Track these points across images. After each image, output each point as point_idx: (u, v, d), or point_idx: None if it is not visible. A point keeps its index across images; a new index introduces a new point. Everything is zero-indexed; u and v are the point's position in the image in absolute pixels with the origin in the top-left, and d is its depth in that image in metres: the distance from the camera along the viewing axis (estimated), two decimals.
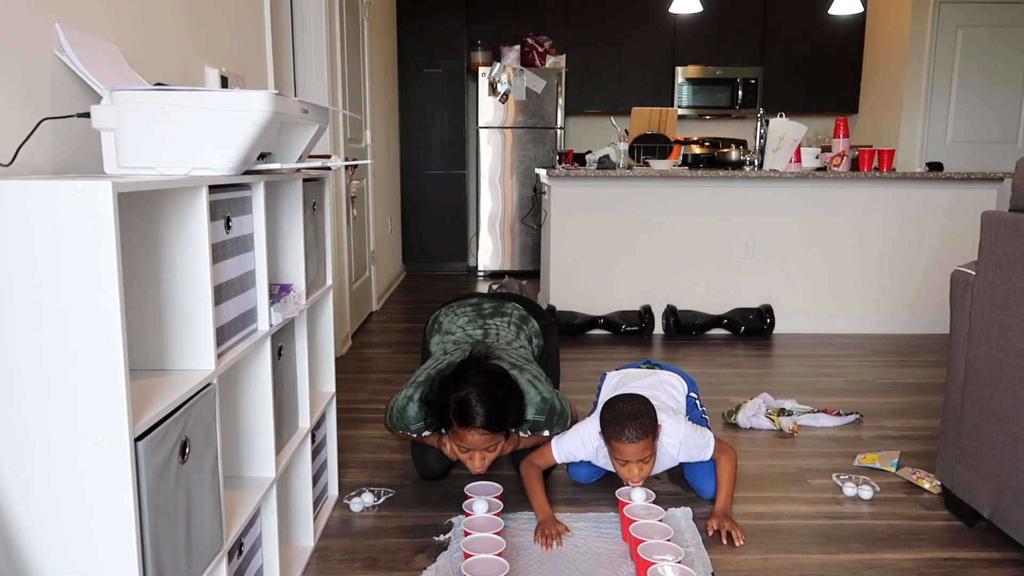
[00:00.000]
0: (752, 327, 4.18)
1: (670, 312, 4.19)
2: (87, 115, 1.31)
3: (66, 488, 0.97)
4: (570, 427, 2.14)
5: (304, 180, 1.80)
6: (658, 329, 4.26)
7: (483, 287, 5.72)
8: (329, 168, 1.89)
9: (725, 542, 1.93)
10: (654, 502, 1.96)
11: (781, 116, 4.20)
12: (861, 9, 4.83)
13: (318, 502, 2.02)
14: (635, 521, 1.84)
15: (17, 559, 0.98)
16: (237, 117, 1.25)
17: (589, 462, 2.18)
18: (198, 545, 1.17)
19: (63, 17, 1.42)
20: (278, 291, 1.64)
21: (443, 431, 2.02)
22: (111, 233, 0.92)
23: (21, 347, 0.94)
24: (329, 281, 2.06)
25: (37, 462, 0.97)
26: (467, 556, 1.69)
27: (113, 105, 1.26)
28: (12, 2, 1.28)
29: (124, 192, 0.96)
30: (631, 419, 1.97)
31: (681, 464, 2.17)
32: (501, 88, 5.89)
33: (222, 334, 1.31)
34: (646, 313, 4.17)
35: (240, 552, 1.44)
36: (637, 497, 1.96)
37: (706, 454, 2.11)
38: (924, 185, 4.21)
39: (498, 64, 5.90)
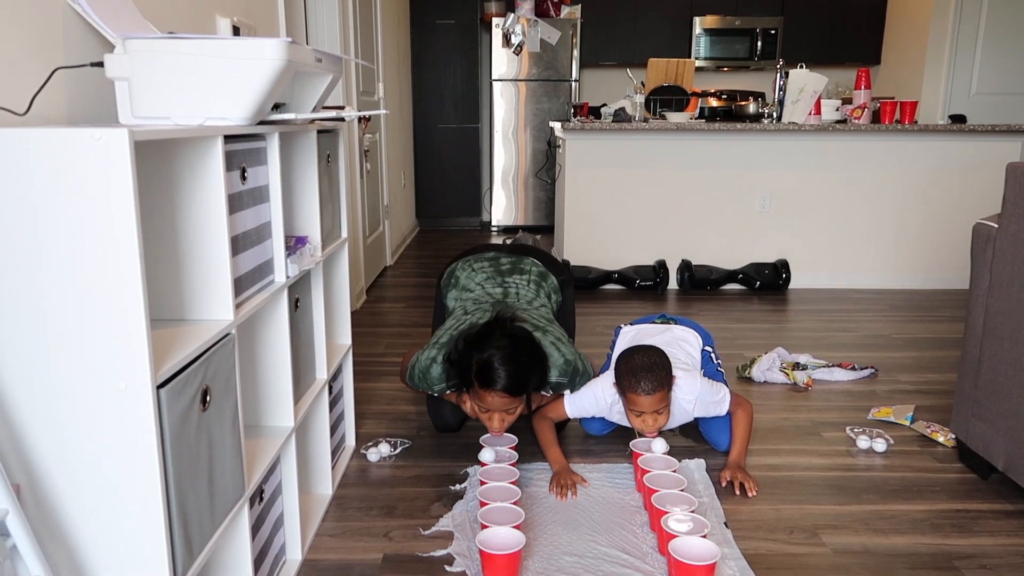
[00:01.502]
0: (767, 282, 4.15)
1: (685, 267, 4.17)
2: (101, 64, 1.30)
3: (90, 435, 0.99)
4: None
5: (318, 132, 1.79)
6: (672, 284, 4.25)
7: (497, 242, 5.70)
8: (343, 119, 1.87)
9: (738, 493, 1.95)
10: (668, 453, 1.98)
11: (801, 67, 4.11)
12: None
13: (336, 452, 2.06)
14: (649, 471, 1.86)
15: (45, 506, 1.01)
16: (251, 65, 1.24)
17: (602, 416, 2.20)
18: (220, 491, 1.20)
19: None
20: (294, 243, 1.64)
21: (465, 391, 2.03)
22: (128, 180, 0.92)
23: (42, 297, 0.95)
24: (344, 234, 2.06)
25: (61, 411, 0.98)
26: (483, 504, 1.71)
27: (126, 54, 1.24)
28: None
29: (140, 140, 0.95)
30: (646, 371, 1.97)
31: (696, 418, 2.18)
32: (515, 39, 5.79)
33: (240, 285, 1.31)
34: (661, 268, 4.15)
35: (261, 499, 1.47)
36: (656, 448, 1.98)
37: (721, 409, 2.11)
38: (946, 138, 4.13)
39: (512, 15, 5.78)
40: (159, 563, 1.02)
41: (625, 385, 2.00)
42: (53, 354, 0.97)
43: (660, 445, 1.98)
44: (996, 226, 2.00)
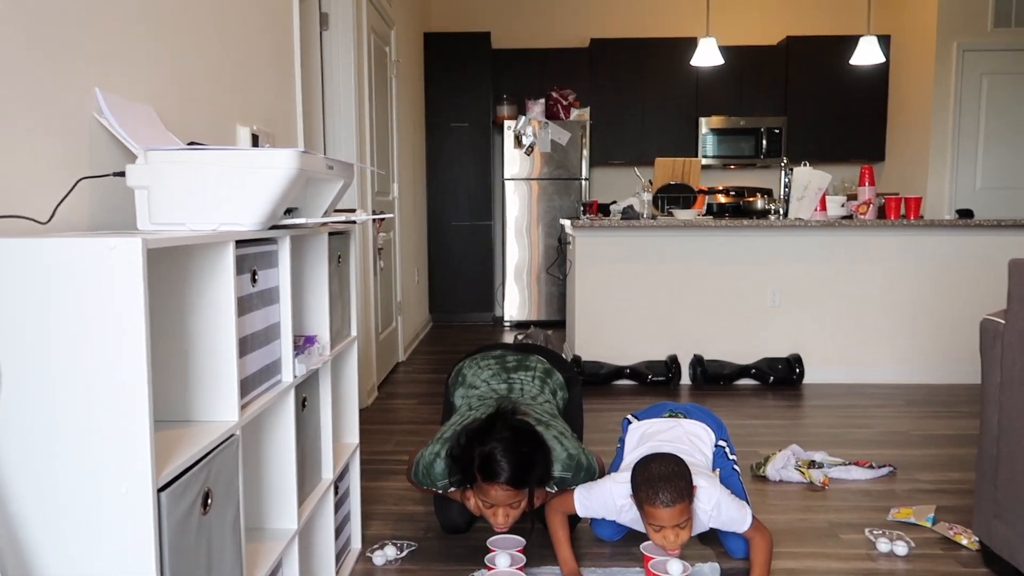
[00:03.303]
0: (781, 377, 4.12)
1: (697, 362, 4.16)
2: (122, 174, 1.36)
3: (91, 538, 0.99)
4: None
5: (330, 234, 1.84)
6: (685, 379, 4.22)
7: (509, 337, 5.72)
8: (354, 222, 1.93)
9: None
10: (680, 557, 1.92)
11: (805, 165, 4.21)
12: (883, 59, 4.86)
13: (341, 555, 2.02)
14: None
15: None
16: (265, 175, 1.30)
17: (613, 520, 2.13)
18: None
19: (103, 82, 1.49)
20: (303, 342, 1.67)
21: (468, 486, 2.01)
22: (139, 288, 0.96)
23: (51, 399, 0.97)
24: (354, 332, 2.09)
25: (63, 513, 0.98)
26: None
27: (147, 164, 1.31)
28: (55, 67, 1.35)
29: (153, 248, 0.99)
30: (665, 481, 1.85)
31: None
32: (526, 141, 5.99)
33: (246, 385, 1.33)
34: (672, 363, 4.13)
35: None
36: (673, 570, 1.87)
37: (741, 527, 1.97)
38: (953, 232, 4.17)
39: (523, 117, 6.01)
40: None
41: (643, 497, 1.88)
42: (59, 455, 0.98)
43: (677, 567, 1.86)
44: (1003, 322, 2.00)
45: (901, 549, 2.14)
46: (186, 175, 1.30)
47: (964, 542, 2.19)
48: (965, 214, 4.41)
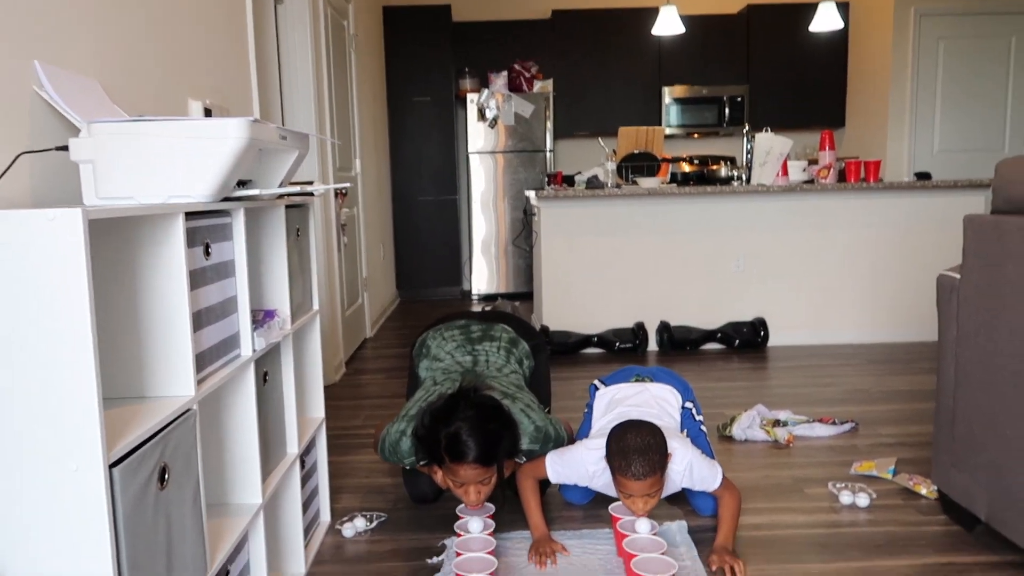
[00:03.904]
0: (746, 340, 4.18)
1: (664, 328, 4.19)
2: (66, 148, 1.32)
3: (42, 516, 0.97)
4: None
5: (287, 207, 1.81)
6: (652, 345, 4.26)
7: (476, 309, 5.72)
8: (312, 194, 1.90)
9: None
10: (648, 516, 1.95)
11: (767, 131, 4.24)
12: (842, 25, 4.89)
13: (309, 528, 2.01)
14: (628, 536, 1.83)
15: None
16: (214, 145, 1.27)
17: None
18: (179, 573, 1.17)
19: (43, 54, 1.44)
20: (262, 317, 1.65)
21: (436, 464, 2.00)
22: (82, 260, 0.93)
23: None
24: (315, 307, 2.07)
25: (12, 490, 0.96)
26: None
27: (91, 137, 1.27)
28: None
29: (96, 219, 0.97)
30: (639, 454, 1.86)
31: None
32: (490, 114, 5.95)
33: (203, 360, 1.31)
34: (640, 330, 4.17)
35: None
36: (641, 528, 1.89)
37: (712, 485, 2.01)
38: (911, 194, 4.24)
39: (486, 91, 5.96)
40: None
41: (615, 467, 1.90)
42: (2, 432, 0.95)
43: (645, 526, 1.88)
44: (959, 276, 2.04)
45: (863, 501, 2.19)
46: (132, 147, 1.27)
47: (923, 492, 2.25)
48: (923, 176, 4.48)
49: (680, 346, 4.17)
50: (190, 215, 1.28)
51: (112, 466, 0.98)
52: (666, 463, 1.92)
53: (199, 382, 1.27)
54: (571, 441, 2.19)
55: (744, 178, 4.32)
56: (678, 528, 2.07)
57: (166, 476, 1.12)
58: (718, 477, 2.01)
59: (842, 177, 4.31)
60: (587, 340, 4.17)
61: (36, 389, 0.95)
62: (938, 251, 4.27)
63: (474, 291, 6.30)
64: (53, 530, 0.97)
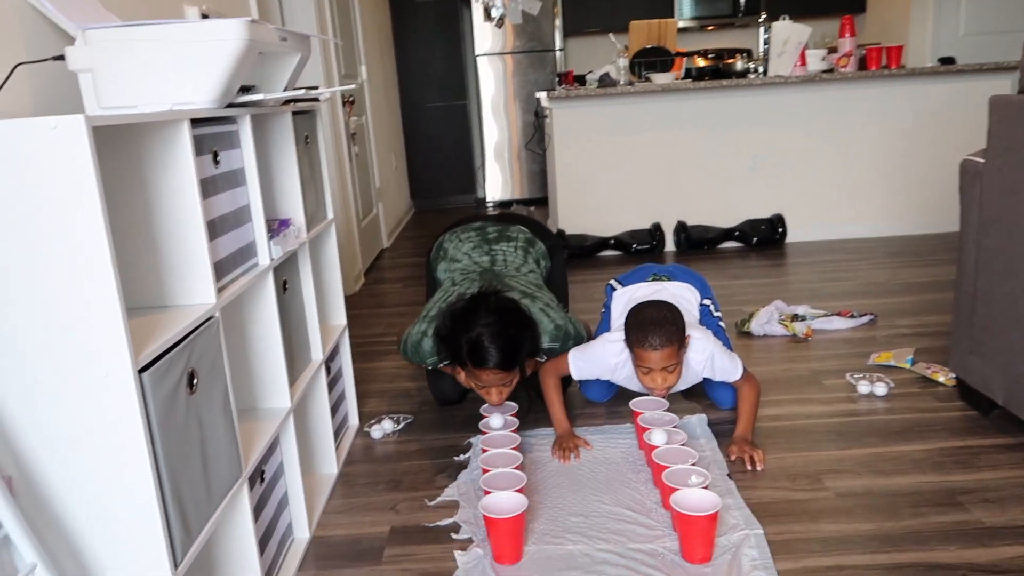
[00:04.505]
0: (764, 238, 4.14)
1: (681, 228, 4.16)
2: (62, 58, 1.29)
3: (77, 424, 0.99)
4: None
5: (294, 113, 1.78)
6: (670, 246, 4.23)
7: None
8: (317, 99, 1.86)
9: (750, 467, 1.87)
10: (668, 410, 1.98)
11: (784, 19, 4.06)
12: None
13: (339, 431, 2.07)
14: (649, 429, 1.87)
15: (40, 496, 1.01)
16: (212, 47, 1.23)
17: (602, 380, 2.18)
18: (216, 472, 1.21)
19: None
20: (277, 226, 1.64)
21: (458, 366, 2.02)
22: (89, 167, 0.92)
23: (15, 289, 0.95)
24: (330, 215, 2.06)
25: (45, 402, 0.99)
26: (485, 471, 1.73)
27: (87, 45, 1.24)
28: None
29: (100, 127, 0.95)
30: (656, 325, 1.89)
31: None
32: (495, 13, 5.72)
33: (221, 268, 1.32)
34: (656, 231, 4.14)
35: (262, 479, 1.48)
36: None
37: (733, 376, 2.03)
38: (935, 80, 4.09)
39: None
40: (156, 545, 1.03)
41: (634, 340, 1.92)
42: (30, 346, 0.97)
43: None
44: (983, 161, 1.99)
45: (881, 390, 2.21)
46: (130, 54, 1.23)
47: (941, 379, 2.27)
48: (947, 61, 4.31)
49: (698, 245, 4.15)
50: (196, 123, 1.25)
51: (141, 371, 1.00)
52: (684, 339, 1.93)
53: (219, 290, 1.28)
54: (590, 340, 2.20)
55: (761, 70, 4.17)
56: (698, 421, 2.11)
57: (195, 381, 1.14)
58: (739, 368, 2.03)
59: (862, 65, 4.15)
60: (604, 243, 4.16)
61: (59, 298, 0.96)
62: (961, 140, 4.15)
63: (489, 198, 6.24)
64: (92, 436, 1.00)
